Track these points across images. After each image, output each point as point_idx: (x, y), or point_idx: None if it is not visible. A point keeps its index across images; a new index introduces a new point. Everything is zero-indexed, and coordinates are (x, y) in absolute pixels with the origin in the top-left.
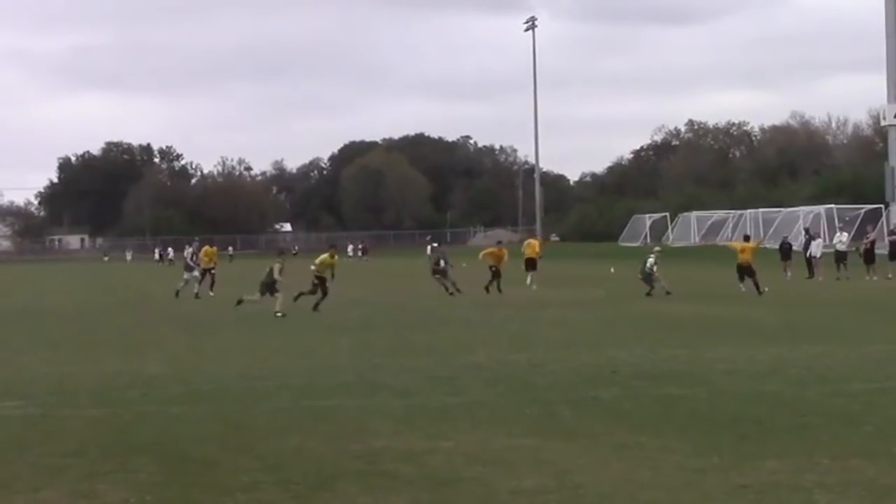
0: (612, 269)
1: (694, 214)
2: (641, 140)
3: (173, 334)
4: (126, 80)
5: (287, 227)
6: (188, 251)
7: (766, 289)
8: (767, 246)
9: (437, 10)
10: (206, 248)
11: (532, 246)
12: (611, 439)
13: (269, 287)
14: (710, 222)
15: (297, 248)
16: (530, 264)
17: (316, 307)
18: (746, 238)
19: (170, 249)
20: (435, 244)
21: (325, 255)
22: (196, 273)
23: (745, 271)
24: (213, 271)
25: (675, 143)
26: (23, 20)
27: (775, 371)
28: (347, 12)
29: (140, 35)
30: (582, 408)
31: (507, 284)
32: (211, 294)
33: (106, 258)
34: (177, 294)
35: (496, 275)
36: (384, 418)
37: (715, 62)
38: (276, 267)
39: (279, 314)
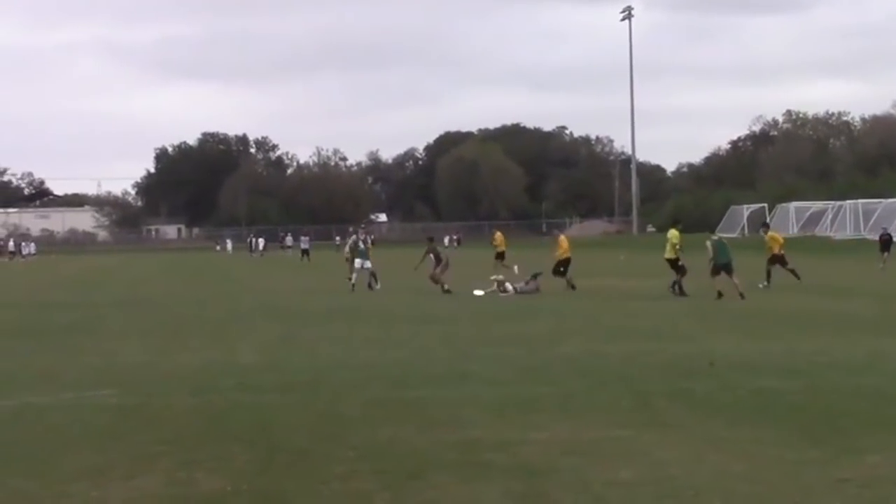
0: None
1: (792, 205)
2: (739, 130)
3: (267, 324)
4: (221, 71)
5: (382, 217)
6: (353, 239)
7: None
8: (868, 237)
9: None
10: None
11: (500, 239)
12: (706, 431)
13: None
14: (808, 213)
15: (373, 236)
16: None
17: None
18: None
19: (261, 240)
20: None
21: (673, 231)
22: (369, 263)
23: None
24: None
25: (773, 133)
26: (113, 10)
27: (874, 364)
28: (443, 0)
29: (233, 25)
30: (676, 399)
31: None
32: (378, 287)
33: (218, 248)
34: (370, 286)
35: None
36: (477, 408)
37: (813, 52)
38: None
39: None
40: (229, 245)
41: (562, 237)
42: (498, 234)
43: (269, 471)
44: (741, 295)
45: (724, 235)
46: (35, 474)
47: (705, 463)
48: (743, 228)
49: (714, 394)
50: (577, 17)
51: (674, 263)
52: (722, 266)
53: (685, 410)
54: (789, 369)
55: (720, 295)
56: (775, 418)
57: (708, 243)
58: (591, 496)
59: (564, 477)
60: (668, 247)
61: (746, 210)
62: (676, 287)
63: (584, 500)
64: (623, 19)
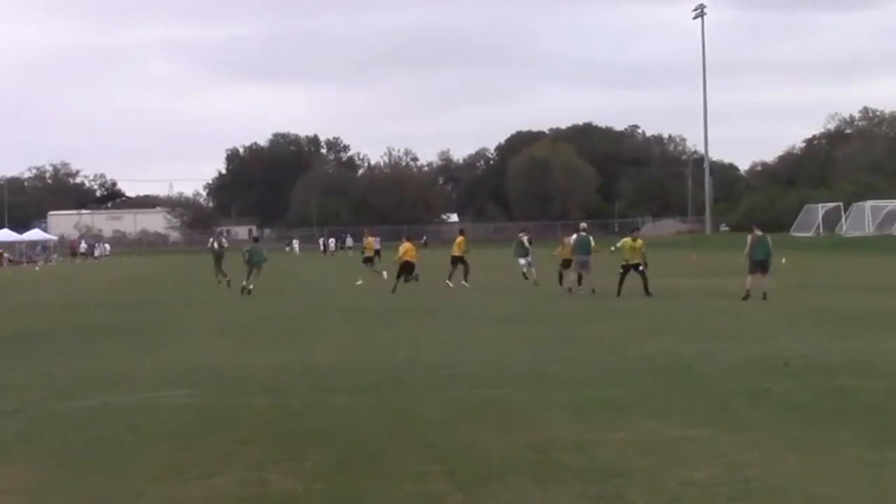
0: (784, 260)
1: (868, 204)
2: (814, 128)
3: (342, 324)
4: (292, 71)
5: (454, 217)
6: (525, 238)
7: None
8: None
9: None
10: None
11: (370, 245)
12: (784, 432)
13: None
14: (885, 212)
15: (425, 238)
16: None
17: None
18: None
19: (331, 241)
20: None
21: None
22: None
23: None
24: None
25: (848, 131)
26: (185, 8)
27: None
28: None
29: (304, 23)
30: (754, 400)
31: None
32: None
33: (287, 248)
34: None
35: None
36: (553, 409)
37: (890, 48)
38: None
39: None
40: (296, 246)
41: (405, 244)
42: (368, 240)
43: (343, 472)
44: (764, 295)
45: (800, 234)
46: (113, 473)
47: (783, 464)
48: (818, 227)
49: (791, 394)
50: (649, 14)
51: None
52: (758, 263)
53: (762, 411)
54: (867, 369)
55: (748, 296)
56: (853, 419)
57: (749, 237)
58: (667, 497)
59: (640, 478)
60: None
61: (822, 209)
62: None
63: (659, 501)
64: (696, 17)
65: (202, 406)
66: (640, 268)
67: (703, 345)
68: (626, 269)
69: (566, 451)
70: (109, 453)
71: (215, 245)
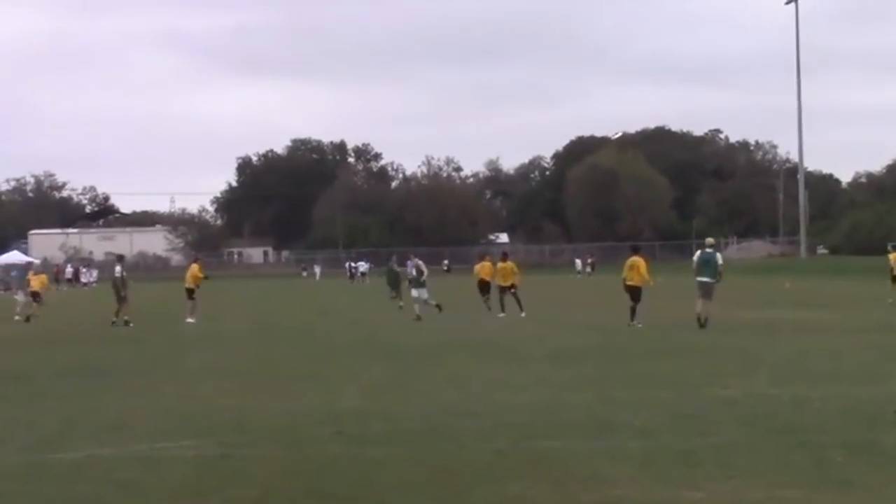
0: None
1: None
2: None
3: (373, 363)
4: (313, 67)
5: (503, 237)
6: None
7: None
8: None
9: None
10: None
11: (486, 268)
12: (893, 492)
13: None
14: None
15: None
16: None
17: None
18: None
19: (360, 264)
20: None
21: None
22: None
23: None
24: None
25: None
26: None
27: None
28: None
29: (327, 11)
30: (858, 453)
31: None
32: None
33: (304, 273)
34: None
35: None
36: (620, 462)
37: None
38: None
39: None
40: (318, 271)
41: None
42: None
43: None
44: None
45: None
46: None
47: None
48: None
49: None
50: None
51: None
52: None
53: (868, 467)
54: None
55: None
56: None
57: (892, 257)
58: None
59: None
60: None
61: None
62: None
63: None
64: (788, 2)
65: (208, 459)
66: None
67: (796, 388)
68: None
69: None
70: None
71: (119, 274)
